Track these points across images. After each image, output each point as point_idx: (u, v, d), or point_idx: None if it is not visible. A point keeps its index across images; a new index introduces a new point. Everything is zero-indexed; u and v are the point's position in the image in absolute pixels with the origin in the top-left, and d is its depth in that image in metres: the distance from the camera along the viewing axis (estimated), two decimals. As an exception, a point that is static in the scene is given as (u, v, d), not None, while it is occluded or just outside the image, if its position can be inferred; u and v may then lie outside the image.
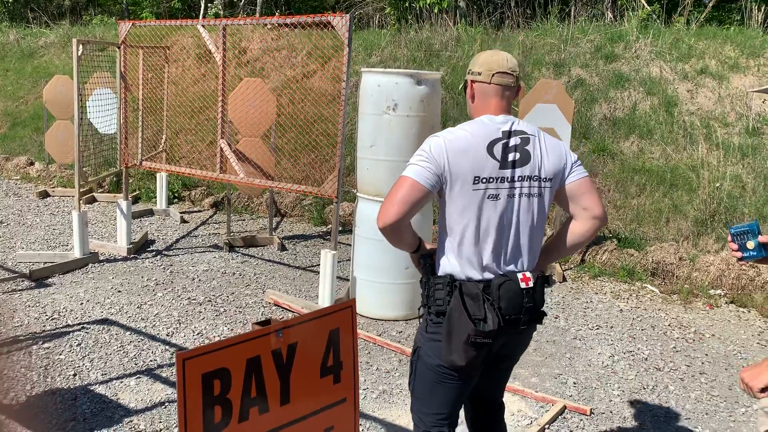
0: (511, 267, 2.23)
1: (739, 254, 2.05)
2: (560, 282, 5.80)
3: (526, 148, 2.21)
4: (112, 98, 7.47)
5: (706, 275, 5.71)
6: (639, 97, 8.06)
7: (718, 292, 5.54)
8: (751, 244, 2.02)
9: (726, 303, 5.41)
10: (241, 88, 6.03)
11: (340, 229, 6.95)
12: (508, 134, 2.21)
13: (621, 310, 5.21)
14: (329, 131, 6.86)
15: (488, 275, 2.21)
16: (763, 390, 1.94)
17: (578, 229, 2.33)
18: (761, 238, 2.03)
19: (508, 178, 2.19)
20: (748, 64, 8.11)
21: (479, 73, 2.28)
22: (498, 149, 2.18)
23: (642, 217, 6.71)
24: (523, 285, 2.18)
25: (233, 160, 5.44)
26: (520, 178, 2.20)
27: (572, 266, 6.17)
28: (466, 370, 2.24)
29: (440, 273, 2.27)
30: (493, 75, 2.25)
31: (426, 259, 2.35)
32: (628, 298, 5.47)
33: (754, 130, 7.32)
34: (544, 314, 2.30)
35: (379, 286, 4.79)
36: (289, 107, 8.27)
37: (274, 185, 5.39)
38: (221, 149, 5.50)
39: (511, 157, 2.19)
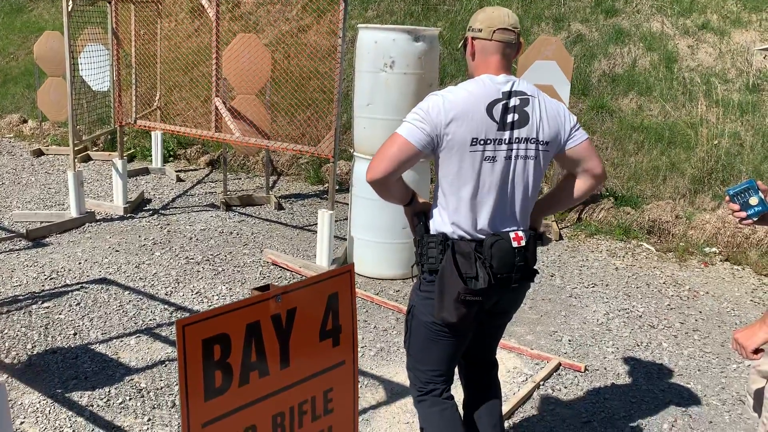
0: (505, 227, 2.24)
1: (742, 214, 2.03)
2: (556, 240, 5.82)
3: (525, 109, 2.18)
4: (104, 54, 7.34)
5: (702, 233, 5.74)
6: (639, 53, 7.95)
7: (713, 249, 5.57)
8: (754, 200, 2.00)
9: (721, 261, 5.45)
10: (235, 44, 5.92)
11: (337, 188, 6.92)
12: (508, 95, 2.17)
13: (617, 268, 5.24)
14: (325, 87, 6.76)
15: (481, 235, 2.22)
16: (756, 351, 1.97)
17: (578, 186, 2.35)
18: (762, 187, 2.02)
19: (505, 139, 2.17)
20: (750, 18, 7.98)
21: (480, 30, 2.23)
22: (497, 110, 2.15)
23: (639, 175, 6.70)
24: (515, 244, 2.20)
25: (228, 119, 5.38)
26: (517, 140, 2.18)
27: (569, 224, 6.19)
28: (458, 327, 2.27)
29: (433, 231, 2.28)
30: (494, 32, 2.20)
31: (420, 218, 2.35)
32: (623, 256, 5.50)
33: (755, 87, 7.25)
34: (536, 272, 2.32)
35: (377, 245, 4.80)
36: (283, 63, 8.14)
37: (270, 145, 5.35)
38: (216, 107, 5.43)
39: (509, 118, 2.16)
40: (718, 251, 5.57)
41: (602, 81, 7.82)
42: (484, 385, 2.61)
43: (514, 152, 2.19)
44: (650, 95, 7.53)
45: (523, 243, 2.21)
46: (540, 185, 2.33)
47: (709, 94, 7.25)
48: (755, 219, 2.01)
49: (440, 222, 2.26)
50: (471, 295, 2.15)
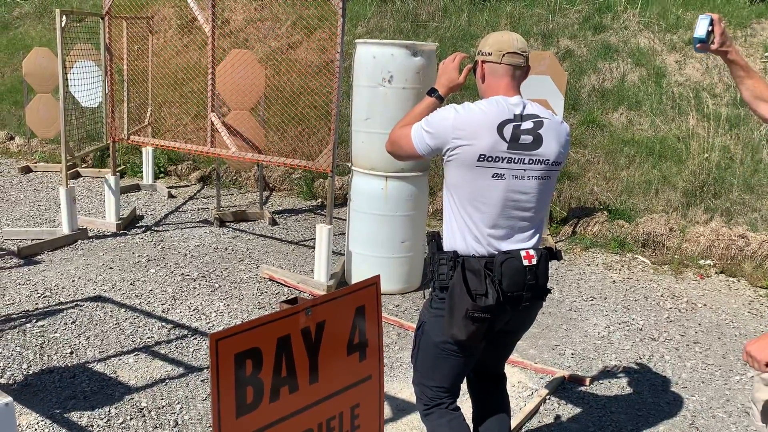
0: (516, 245, 2.26)
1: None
2: (552, 254, 5.83)
3: (539, 132, 2.23)
4: (95, 71, 7.28)
5: (696, 246, 5.78)
6: (627, 68, 8.05)
7: (708, 262, 5.61)
8: (701, 29, 2.25)
9: (716, 273, 5.48)
10: (229, 60, 5.90)
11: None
12: (521, 117, 2.23)
13: (614, 281, 5.26)
14: (316, 103, 6.76)
15: (491, 251, 2.23)
16: None
17: None
18: (716, 27, 2.24)
19: (515, 159, 2.21)
20: (735, 34, 8.12)
21: (490, 54, 2.29)
22: (508, 130, 2.20)
23: (631, 189, 6.75)
24: (525, 263, 2.21)
25: (224, 134, 5.35)
26: (530, 161, 2.23)
27: (563, 238, 6.21)
28: (467, 345, 2.28)
29: (445, 249, 2.30)
30: (503, 55, 2.26)
31: (433, 236, 2.39)
32: (620, 269, 5.52)
33: (742, 101, 7.35)
34: (548, 291, 2.33)
35: (375, 260, 4.77)
36: (274, 79, 8.14)
37: (266, 159, 5.32)
38: (211, 122, 5.40)
39: (522, 139, 2.22)
40: (712, 264, 5.61)
41: (592, 96, 7.90)
42: (492, 399, 2.61)
43: (526, 172, 2.23)
44: (640, 109, 7.61)
45: (534, 261, 2.22)
46: (550, 202, 2.38)
47: (698, 108, 7.35)
48: (696, 45, 2.27)
49: (451, 239, 2.29)
50: (480, 312, 2.16)
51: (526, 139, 2.21)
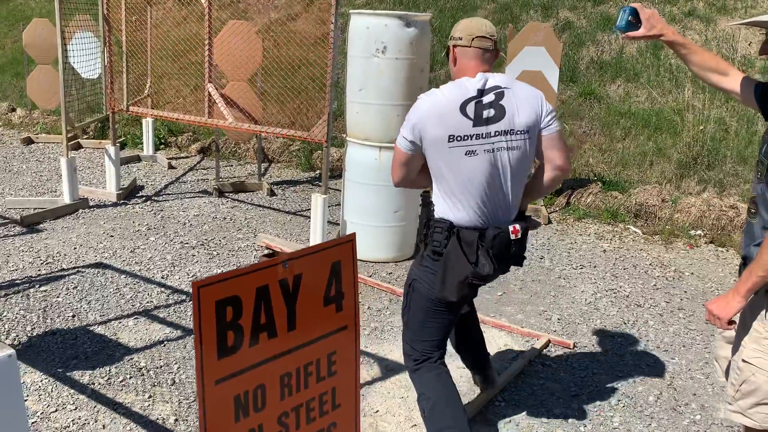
0: (502, 218, 2.47)
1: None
2: (546, 224, 5.92)
3: (501, 103, 2.36)
4: (94, 42, 7.32)
5: (688, 216, 5.86)
6: (626, 40, 8.03)
7: (698, 232, 5.70)
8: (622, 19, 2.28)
9: (705, 243, 5.57)
10: (226, 30, 5.94)
11: (329, 174, 6.98)
12: (482, 92, 2.36)
13: (604, 250, 5.36)
14: (315, 75, 6.80)
15: (482, 224, 2.43)
16: (730, 322, 2.06)
17: (542, 177, 2.54)
18: (640, 13, 2.27)
19: (482, 134, 2.36)
20: (735, 5, 8.10)
21: (460, 38, 2.44)
22: (471, 108, 2.35)
23: (626, 161, 6.81)
24: (512, 236, 2.44)
25: (221, 104, 5.42)
26: (496, 133, 2.36)
27: (557, 209, 6.29)
28: (456, 305, 2.56)
29: (437, 216, 2.47)
30: (473, 39, 2.42)
31: (426, 201, 2.54)
32: (611, 239, 5.61)
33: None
34: (524, 258, 2.59)
35: (369, 228, 4.87)
36: (273, 51, 8.15)
37: (263, 130, 5.40)
38: (209, 93, 5.47)
39: (485, 114, 2.35)
40: (703, 234, 5.69)
41: (590, 68, 7.91)
42: (466, 327, 2.99)
43: (495, 145, 2.37)
44: (637, 82, 7.64)
45: (519, 235, 2.45)
46: (528, 172, 2.52)
47: (695, 80, 7.36)
48: (623, 34, 2.28)
49: (444, 208, 2.46)
50: (477, 280, 2.43)
51: (489, 113, 2.35)
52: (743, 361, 2.08)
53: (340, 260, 1.60)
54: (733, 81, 2.27)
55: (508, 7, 8.81)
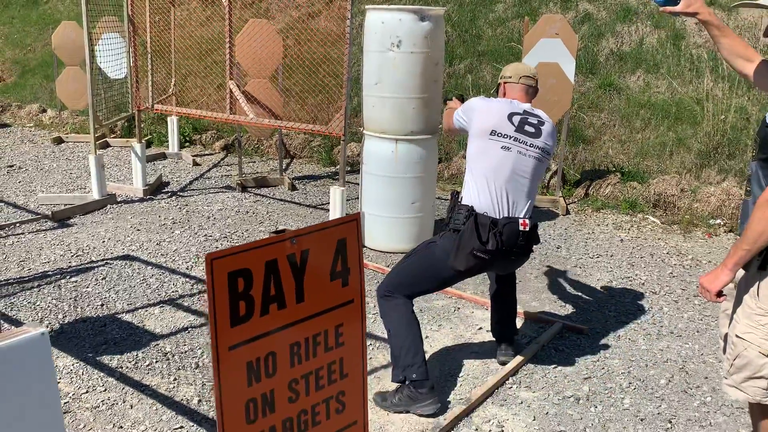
0: (515, 212, 3.00)
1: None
2: (563, 215, 5.96)
3: (540, 127, 3.09)
4: (120, 42, 7.53)
5: (707, 206, 5.85)
6: (646, 30, 8.01)
7: (718, 221, 5.69)
8: None
9: (725, 232, 5.56)
10: (247, 29, 6.08)
11: (348, 169, 7.09)
12: (528, 114, 3.10)
13: (621, 240, 5.38)
14: (336, 72, 6.91)
15: (497, 215, 2.96)
16: (719, 294, 2.12)
17: None
18: None
19: (520, 140, 3.01)
20: (757, -6, 8.00)
21: (510, 77, 3.23)
22: (516, 119, 3.06)
23: (646, 151, 6.80)
24: (521, 228, 2.96)
25: (242, 101, 5.56)
26: (531, 145, 3.03)
27: (576, 200, 6.32)
28: (459, 275, 3.05)
29: (464, 202, 3.02)
30: (520, 77, 3.21)
31: (454, 194, 3.16)
32: (629, 229, 5.63)
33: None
34: (532, 250, 3.13)
35: (387, 220, 4.97)
36: (295, 48, 8.29)
37: (282, 125, 5.53)
38: (230, 90, 5.61)
39: (527, 128, 3.05)
40: (722, 223, 5.68)
41: (610, 59, 7.89)
42: (503, 291, 3.48)
43: (528, 151, 3.01)
44: (657, 72, 7.60)
45: (527, 228, 2.97)
46: (540, 182, 3.20)
47: (715, 69, 7.31)
48: (661, 7, 2.40)
49: (468, 196, 3.04)
50: (482, 253, 2.92)
51: (530, 129, 3.04)
52: (737, 336, 2.14)
53: (346, 237, 1.70)
54: (755, 67, 2.34)
55: (527, 0, 8.82)
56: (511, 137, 3.00)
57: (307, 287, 1.62)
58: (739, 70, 2.41)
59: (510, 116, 3.05)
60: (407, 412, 2.96)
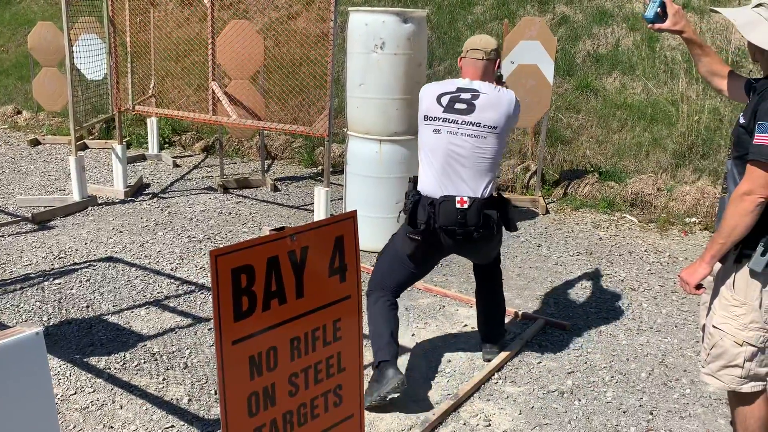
0: (456, 191, 3.01)
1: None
2: (543, 214, 6.06)
3: (474, 102, 3.03)
4: (98, 44, 7.47)
5: (683, 204, 5.99)
6: (622, 33, 8.17)
7: (693, 219, 5.83)
8: (650, 8, 2.45)
9: (700, 230, 5.70)
10: (228, 30, 6.08)
11: (331, 169, 7.12)
12: (461, 90, 3.07)
13: (600, 238, 5.49)
14: (316, 73, 6.95)
15: (437, 194, 3.01)
16: (698, 287, 2.21)
17: None
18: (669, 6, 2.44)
19: (450, 119, 3.03)
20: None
21: (463, 54, 3.20)
22: (445, 99, 3.07)
23: (623, 151, 6.94)
24: (458, 205, 2.97)
25: (225, 102, 5.56)
26: (463, 122, 3.01)
27: (555, 200, 6.43)
28: (410, 259, 3.15)
29: (418, 188, 3.10)
30: (467, 51, 3.17)
31: (412, 179, 3.22)
32: (607, 228, 5.75)
33: (733, 64, 7.48)
34: (481, 231, 3.01)
35: (371, 220, 5.01)
36: (275, 50, 8.29)
37: (265, 126, 5.54)
38: (213, 91, 5.61)
39: (457, 105, 3.04)
40: (697, 221, 5.83)
41: (586, 61, 8.04)
42: (483, 279, 3.50)
43: (459, 129, 3.01)
44: (633, 74, 7.76)
45: (465, 206, 2.97)
46: (496, 159, 3.09)
47: (689, 71, 7.49)
48: (649, 24, 2.48)
49: (421, 181, 3.12)
50: (414, 234, 3.04)
51: (461, 105, 3.02)
52: (713, 326, 2.23)
53: (343, 235, 1.74)
54: (726, 81, 2.45)
55: (505, 3, 8.94)
56: (439, 119, 3.03)
57: (306, 283, 1.66)
58: (715, 87, 2.52)
59: (439, 98, 3.07)
60: (381, 398, 2.89)
